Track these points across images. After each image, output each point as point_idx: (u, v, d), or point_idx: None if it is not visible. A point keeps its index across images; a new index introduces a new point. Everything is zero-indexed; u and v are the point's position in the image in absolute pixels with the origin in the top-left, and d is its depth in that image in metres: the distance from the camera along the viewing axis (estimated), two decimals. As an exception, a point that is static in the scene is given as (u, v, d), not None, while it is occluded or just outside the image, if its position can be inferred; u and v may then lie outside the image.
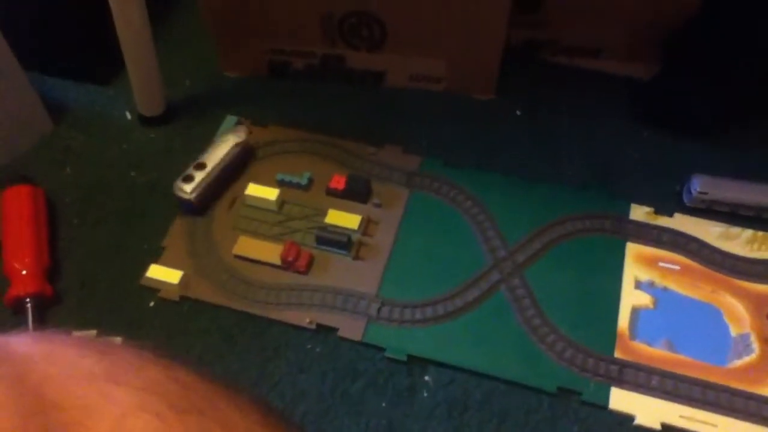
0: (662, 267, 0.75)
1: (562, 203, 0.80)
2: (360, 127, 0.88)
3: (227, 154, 0.80)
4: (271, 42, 0.91)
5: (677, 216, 0.79)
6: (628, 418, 0.65)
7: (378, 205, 0.79)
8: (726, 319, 0.72)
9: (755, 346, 0.70)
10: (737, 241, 0.77)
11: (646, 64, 0.92)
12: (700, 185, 0.79)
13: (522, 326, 0.71)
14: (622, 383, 0.67)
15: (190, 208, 0.78)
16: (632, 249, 0.77)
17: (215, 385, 0.35)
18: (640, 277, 0.75)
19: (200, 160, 0.79)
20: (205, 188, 0.78)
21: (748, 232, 0.78)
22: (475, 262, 0.75)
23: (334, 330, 0.71)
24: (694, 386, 0.67)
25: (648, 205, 0.80)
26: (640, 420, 0.65)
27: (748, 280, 0.74)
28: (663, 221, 0.79)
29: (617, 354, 0.69)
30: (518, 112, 0.90)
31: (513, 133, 0.88)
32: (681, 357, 0.69)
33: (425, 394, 0.67)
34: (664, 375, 0.68)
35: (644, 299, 0.73)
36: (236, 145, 0.81)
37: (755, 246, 0.77)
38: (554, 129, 0.89)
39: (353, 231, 0.77)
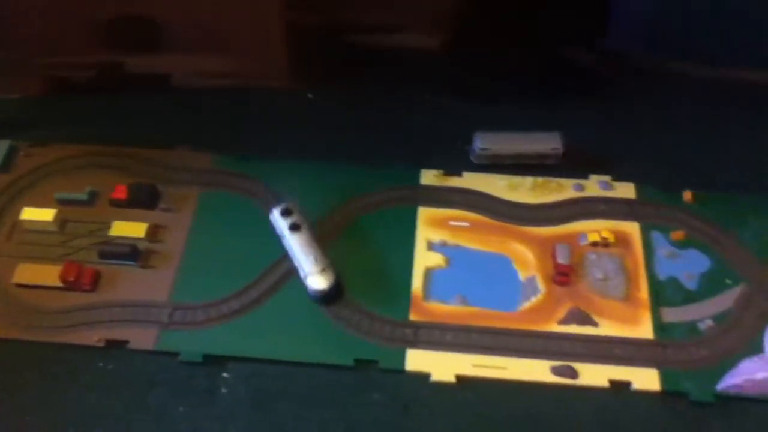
0: (453, 226, 0.79)
1: (358, 181, 0.83)
2: (148, 133, 0.87)
3: (299, 261, 0.73)
4: (43, 57, 0.89)
5: (466, 174, 0.84)
6: (424, 377, 0.68)
7: (167, 210, 0.79)
8: (515, 266, 0.76)
9: (541, 286, 0.75)
10: (522, 190, 0.82)
11: (441, 37, 0.96)
12: (481, 142, 0.83)
13: (318, 307, 0.72)
14: (418, 344, 0.70)
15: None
16: (424, 213, 0.80)
17: None
18: (433, 239, 0.78)
19: (299, 223, 0.75)
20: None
21: (530, 180, 0.83)
22: (271, 252, 0.76)
23: (125, 343, 0.70)
24: (486, 335, 0.71)
25: (439, 168, 0.84)
26: (435, 376, 0.68)
27: (533, 225, 0.79)
28: (453, 182, 0.83)
29: (412, 317, 0.72)
30: (310, 96, 0.92)
31: (308, 117, 0.90)
32: (475, 309, 0.73)
33: (225, 391, 0.68)
34: (458, 329, 0.71)
35: (437, 259, 0.77)
36: (308, 277, 0.72)
37: (537, 192, 0.82)
38: (349, 108, 0.91)
39: (140, 240, 0.76)
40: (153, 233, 0.77)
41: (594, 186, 0.82)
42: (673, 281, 0.75)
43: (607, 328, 0.72)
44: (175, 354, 0.69)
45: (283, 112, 0.90)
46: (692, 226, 0.79)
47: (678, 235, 0.78)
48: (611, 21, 0.89)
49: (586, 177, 0.83)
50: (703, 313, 0.73)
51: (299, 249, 0.73)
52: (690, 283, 0.75)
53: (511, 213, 0.80)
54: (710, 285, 0.75)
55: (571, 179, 0.83)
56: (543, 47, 0.90)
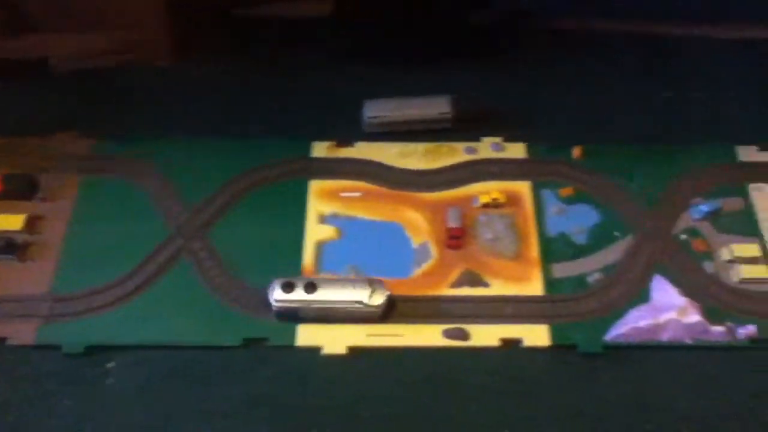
0: (345, 197, 0.79)
1: (247, 156, 0.81)
2: (25, 121, 0.84)
3: (344, 302, 0.68)
4: None
5: (359, 144, 0.83)
6: (315, 351, 0.68)
7: (45, 199, 0.77)
8: (408, 233, 0.77)
9: (433, 251, 0.75)
10: (414, 157, 0.82)
11: (328, 3, 0.95)
12: (370, 110, 0.83)
13: (206, 288, 0.71)
14: (309, 318, 0.70)
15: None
16: (315, 186, 0.79)
17: None
18: (324, 211, 0.78)
19: (313, 282, 0.68)
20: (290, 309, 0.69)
21: (422, 146, 0.83)
22: (157, 235, 0.75)
23: (3, 340, 0.68)
24: (377, 304, 0.72)
25: (331, 139, 0.83)
26: (327, 349, 0.68)
27: (425, 191, 0.80)
28: (345, 152, 0.82)
29: (303, 291, 0.72)
30: (202, 73, 0.90)
31: (194, 93, 0.88)
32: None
33: (111, 381, 0.66)
34: (350, 300, 0.72)
35: (328, 232, 0.76)
36: (367, 304, 0.68)
37: (429, 158, 0.82)
38: (240, 83, 0.89)
39: (17, 232, 0.74)
40: (31, 225, 0.74)
41: (486, 148, 0.83)
42: (563, 237, 0.77)
43: (498, 288, 0.73)
44: (58, 347, 0.68)
45: (167, 89, 0.88)
46: (581, 181, 0.81)
47: (567, 191, 0.80)
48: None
49: (478, 139, 0.84)
50: (591, 266, 0.75)
51: (337, 295, 0.68)
52: (579, 238, 0.77)
53: (403, 180, 0.80)
54: (599, 238, 0.77)
55: (463, 143, 0.83)
56: (432, 8, 0.90)
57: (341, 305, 0.68)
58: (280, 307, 0.68)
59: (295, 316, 0.69)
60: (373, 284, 0.69)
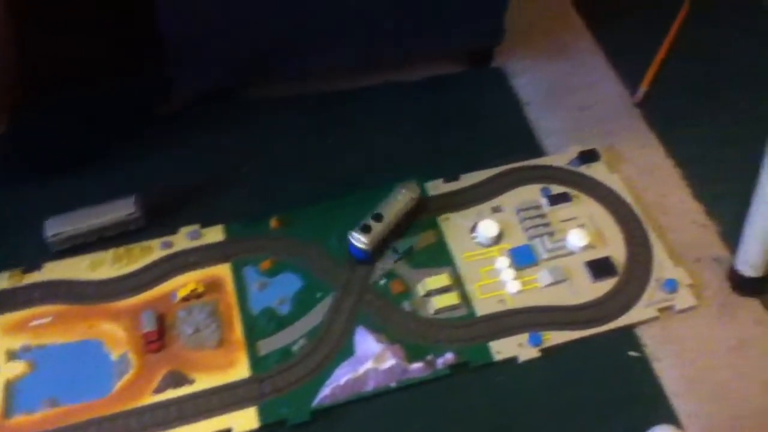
0: (34, 325, 0.77)
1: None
2: None
3: (403, 209, 0.85)
4: None
5: (48, 265, 0.82)
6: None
7: None
8: (106, 348, 0.76)
9: (133, 360, 0.75)
10: (106, 266, 0.82)
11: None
12: (51, 228, 0.82)
13: None
14: (-2, 471, 0.68)
15: (363, 258, 0.83)
16: (0, 321, 0.77)
17: None
18: (13, 347, 0.76)
19: (377, 211, 0.84)
20: (379, 240, 0.83)
21: (111, 253, 0.83)
22: None
23: None
24: (75, 434, 0.70)
25: (16, 267, 0.82)
26: (20, 500, 0.67)
27: (121, 299, 0.80)
28: (32, 278, 0.81)
29: (-8, 442, 0.70)
30: None
31: None
32: (65, 408, 0.72)
33: None
34: (44, 439, 0.70)
35: (19, 368, 0.74)
36: (411, 199, 0.86)
37: (121, 263, 0.82)
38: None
39: None
40: None
41: (183, 239, 0.84)
42: (267, 311, 0.79)
43: (204, 382, 0.74)
44: None
45: None
46: (280, 250, 0.84)
47: (267, 264, 0.83)
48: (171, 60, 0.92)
49: (175, 232, 0.85)
50: (295, 334, 0.78)
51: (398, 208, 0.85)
52: (282, 308, 0.79)
53: (96, 293, 0.80)
54: (302, 304, 0.80)
55: (159, 238, 0.84)
56: (111, 110, 0.91)
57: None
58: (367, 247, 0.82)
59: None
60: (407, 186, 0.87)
